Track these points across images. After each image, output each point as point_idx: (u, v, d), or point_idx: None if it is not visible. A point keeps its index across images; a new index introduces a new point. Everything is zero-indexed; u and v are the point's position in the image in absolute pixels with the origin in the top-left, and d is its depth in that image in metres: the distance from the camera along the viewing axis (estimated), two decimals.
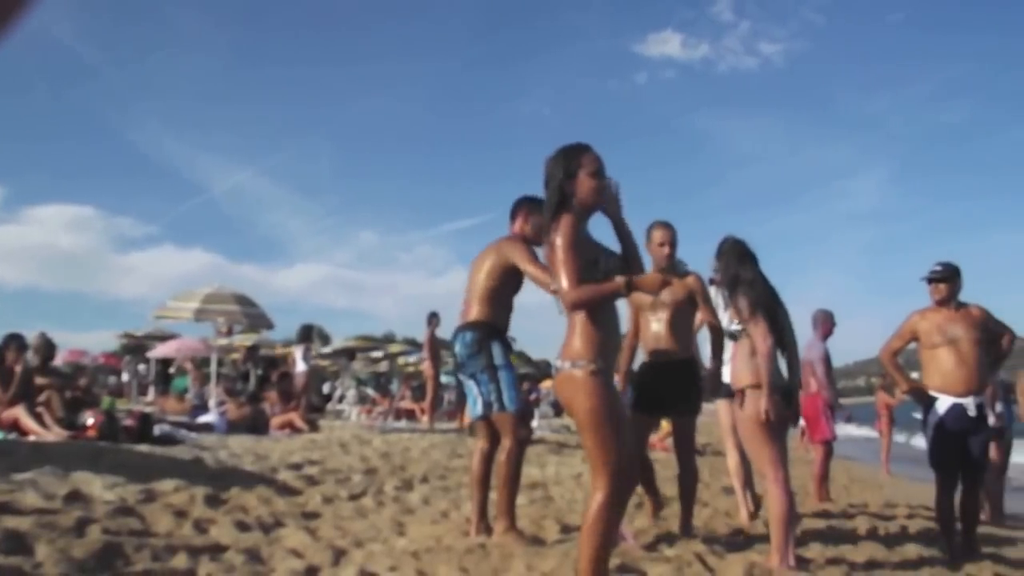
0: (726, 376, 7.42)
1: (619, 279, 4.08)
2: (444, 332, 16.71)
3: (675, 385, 6.53)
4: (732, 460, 7.90)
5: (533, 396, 24.24)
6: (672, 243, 6.60)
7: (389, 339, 59.70)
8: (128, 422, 10.78)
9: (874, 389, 19.29)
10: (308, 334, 19.34)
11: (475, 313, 5.86)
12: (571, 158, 4.27)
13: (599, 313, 4.12)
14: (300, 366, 17.93)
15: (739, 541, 5.91)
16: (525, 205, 6.07)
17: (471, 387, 5.92)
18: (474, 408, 5.96)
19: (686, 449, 6.70)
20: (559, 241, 4.09)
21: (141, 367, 30.34)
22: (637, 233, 4.54)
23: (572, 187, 4.24)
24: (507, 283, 5.89)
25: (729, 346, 5.74)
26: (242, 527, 5.76)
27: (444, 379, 21.20)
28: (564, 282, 4.03)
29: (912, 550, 6.64)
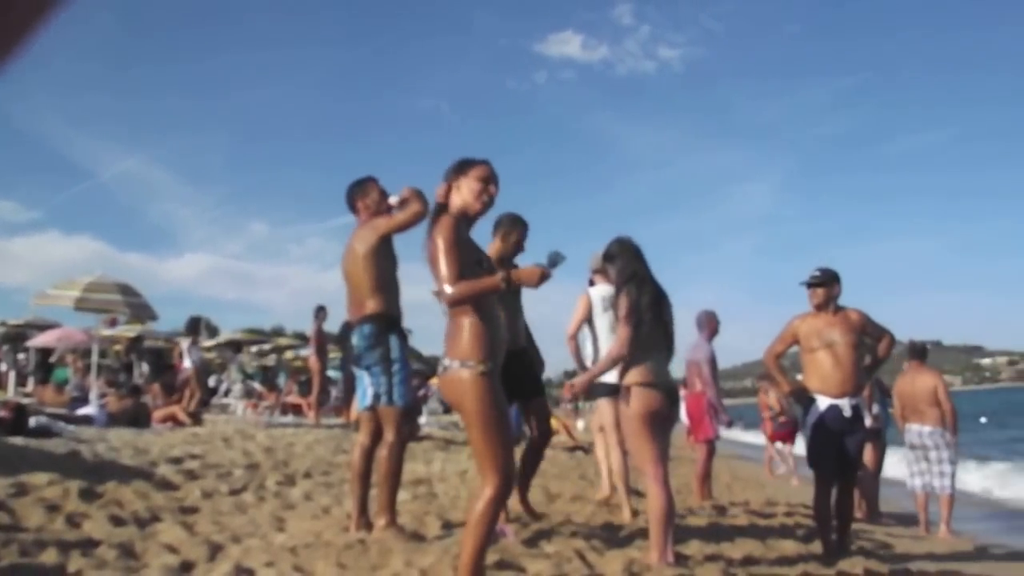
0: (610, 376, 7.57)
1: (498, 274, 4.14)
2: (331, 326, 16.58)
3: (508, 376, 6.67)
4: (615, 458, 7.98)
5: (422, 392, 24.19)
6: (522, 235, 6.75)
7: (278, 332, 58.84)
8: (2, 413, 10.43)
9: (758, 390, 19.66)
10: (195, 326, 18.93)
11: (372, 306, 5.84)
12: (462, 165, 4.41)
13: (485, 312, 4.15)
14: (187, 359, 17.55)
15: (619, 538, 5.96)
16: (355, 190, 6.18)
17: (362, 378, 5.90)
18: (363, 400, 5.94)
19: (543, 432, 7.02)
20: (439, 240, 4.13)
21: (20, 356, 29.42)
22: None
23: (457, 183, 4.35)
24: (386, 265, 5.91)
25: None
26: (117, 522, 5.63)
27: (331, 374, 21.03)
28: (445, 278, 4.06)
29: (789, 547, 6.82)
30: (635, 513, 7.53)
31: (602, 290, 7.86)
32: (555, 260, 4.47)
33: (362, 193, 6.15)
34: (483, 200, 4.37)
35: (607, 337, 7.93)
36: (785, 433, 16.71)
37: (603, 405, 8.16)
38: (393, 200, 5.97)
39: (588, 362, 7.91)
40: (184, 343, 18.14)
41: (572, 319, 8.10)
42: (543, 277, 4.31)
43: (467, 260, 4.18)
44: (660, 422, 5.61)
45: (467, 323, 4.11)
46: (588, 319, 8.03)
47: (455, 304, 4.08)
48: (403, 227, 5.80)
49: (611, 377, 7.82)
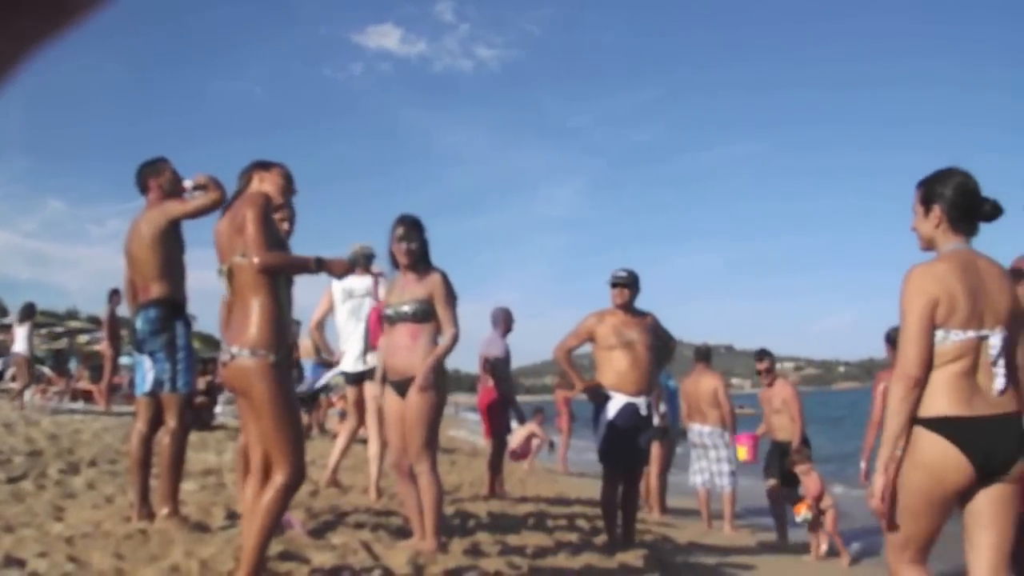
0: (358, 364, 8.03)
1: (310, 256, 4.17)
2: (125, 311, 16.03)
3: None
4: (373, 447, 8.08)
5: (217, 380, 23.59)
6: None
7: (71, 315, 56.53)
8: None
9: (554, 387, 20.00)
10: (31, 312, 17.90)
11: (157, 290, 5.70)
12: (265, 163, 4.61)
13: (278, 298, 4.14)
14: (19, 345, 16.64)
15: (408, 529, 6.01)
16: (147, 170, 6.04)
17: (142, 363, 5.77)
18: (141, 385, 5.81)
19: None
20: (251, 211, 4.13)
21: None
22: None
23: (260, 177, 4.42)
24: (174, 249, 5.80)
25: (400, 329, 5.74)
26: None
27: (124, 360, 20.34)
28: (256, 245, 4.04)
29: (576, 539, 7.06)
30: (380, 494, 7.86)
31: (346, 283, 8.04)
32: (370, 255, 4.56)
33: (155, 173, 5.98)
34: (285, 196, 4.48)
35: (344, 326, 8.27)
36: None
37: (369, 392, 8.19)
38: (188, 184, 5.85)
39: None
40: (19, 329, 17.14)
41: (316, 310, 8.41)
42: (348, 269, 4.37)
43: (275, 237, 4.17)
44: (440, 411, 5.80)
45: (258, 307, 4.09)
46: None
47: (263, 270, 4.06)
48: (197, 213, 5.69)
49: (357, 365, 8.00)
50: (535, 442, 16.42)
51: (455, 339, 5.68)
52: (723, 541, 9.15)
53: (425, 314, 5.69)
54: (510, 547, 6.21)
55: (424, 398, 5.60)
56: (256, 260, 4.06)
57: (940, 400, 3.49)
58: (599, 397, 7.27)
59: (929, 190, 3.73)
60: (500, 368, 10.13)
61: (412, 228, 5.83)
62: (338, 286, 8.15)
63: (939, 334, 3.52)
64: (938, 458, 3.47)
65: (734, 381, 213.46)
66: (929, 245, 3.74)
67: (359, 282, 8.16)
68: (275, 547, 4.81)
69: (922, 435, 3.51)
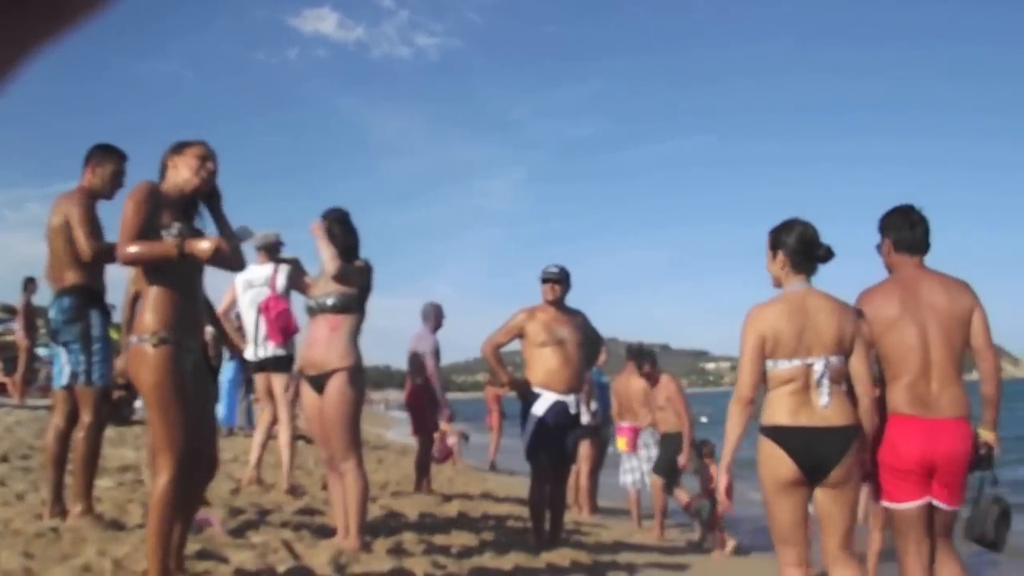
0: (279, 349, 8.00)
1: (170, 240, 4.05)
2: (43, 299, 15.67)
3: None
4: (284, 436, 8.06)
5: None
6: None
7: None
8: None
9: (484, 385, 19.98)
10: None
11: (72, 277, 5.53)
12: (179, 145, 4.39)
13: (176, 284, 4.06)
14: None
15: (331, 528, 5.92)
16: (95, 154, 5.80)
17: (59, 355, 5.61)
18: (58, 378, 5.65)
19: None
20: (127, 205, 4.09)
21: None
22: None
23: (174, 162, 4.30)
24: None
25: (319, 321, 5.65)
26: None
27: (41, 351, 19.89)
28: (121, 239, 3.98)
29: (502, 538, 7.07)
30: (293, 487, 7.89)
31: (249, 272, 7.96)
32: (242, 235, 4.45)
33: (99, 161, 5.76)
34: (201, 175, 4.34)
35: (246, 316, 8.26)
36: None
37: (279, 382, 8.16)
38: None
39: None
40: None
41: (222, 301, 8.37)
42: (217, 251, 4.17)
43: (152, 225, 4.06)
44: (359, 407, 5.75)
45: (151, 294, 4.04)
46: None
47: (125, 263, 4.04)
48: (77, 244, 5.47)
49: (258, 354, 7.94)
50: (451, 440, 16.37)
51: (336, 265, 5.59)
52: (652, 541, 9.18)
53: (344, 306, 5.62)
54: (436, 546, 6.17)
55: (342, 393, 5.52)
56: (118, 258, 4.03)
57: (774, 413, 4.31)
58: (528, 395, 7.24)
59: (775, 238, 4.49)
60: (431, 364, 10.05)
61: (336, 222, 5.76)
62: (241, 276, 8.04)
63: (769, 363, 4.32)
64: (771, 458, 4.29)
65: None
66: (777, 283, 4.51)
67: (259, 271, 8.11)
68: (192, 546, 4.72)
69: (761, 440, 4.36)
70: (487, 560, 5.96)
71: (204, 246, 4.13)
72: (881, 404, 4.62)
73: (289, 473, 8.04)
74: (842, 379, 4.34)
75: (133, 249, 3.99)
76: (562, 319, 7.25)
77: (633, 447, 10.52)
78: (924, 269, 4.69)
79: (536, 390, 7.18)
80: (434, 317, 10.29)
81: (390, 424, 34.79)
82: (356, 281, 5.69)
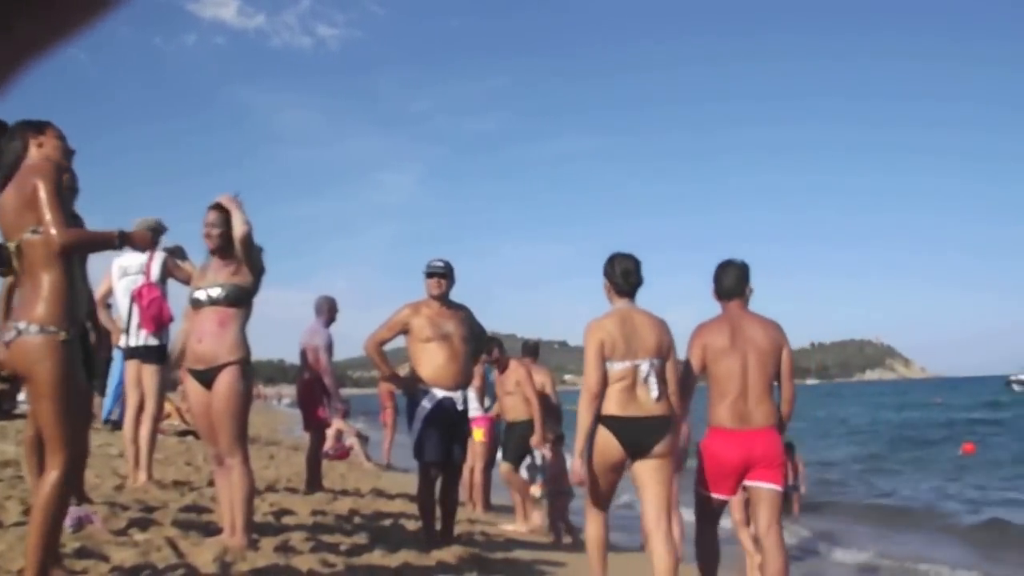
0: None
1: (112, 230, 4.00)
2: None
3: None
4: (146, 428, 8.00)
5: None
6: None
7: None
8: None
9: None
10: None
11: None
12: (39, 124, 4.29)
13: (72, 274, 3.98)
14: None
15: (219, 525, 5.86)
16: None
17: None
18: None
19: None
20: (42, 185, 3.92)
21: None
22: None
23: (39, 141, 4.21)
24: None
25: (206, 314, 5.56)
26: None
27: None
28: (54, 223, 3.85)
29: (393, 535, 7.12)
30: (149, 476, 7.90)
31: (124, 259, 7.93)
32: (158, 229, 4.42)
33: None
34: (67, 159, 4.27)
35: (121, 303, 8.15)
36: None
37: (149, 372, 8.05)
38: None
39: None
40: None
41: (99, 288, 8.17)
42: (150, 243, 4.21)
43: (68, 211, 3.99)
44: (249, 401, 5.68)
45: (48, 283, 3.92)
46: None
47: (65, 251, 3.88)
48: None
49: (130, 342, 7.87)
50: (348, 440, 16.29)
51: (246, 231, 5.51)
52: (543, 537, 9.26)
53: (235, 299, 5.52)
54: (325, 544, 6.16)
55: (232, 388, 5.44)
56: (57, 239, 3.87)
57: (609, 405, 5.50)
58: (415, 391, 7.21)
59: (606, 269, 5.83)
60: (325, 359, 9.98)
61: (222, 212, 5.67)
62: (116, 263, 7.99)
63: (607, 364, 5.49)
64: (604, 441, 5.52)
65: (567, 378, 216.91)
66: (609, 302, 5.80)
67: (135, 259, 7.97)
68: (72, 543, 4.65)
69: (598, 428, 5.52)
70: (376, 558, 5.97)
71: (143, 236, 4.10)
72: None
73: (148, 466, 7.94)
74: (661, 378, 5.58)
75: (72, 237, 3.89)
76: (447, 314, 7.24)
77: (490, 437, 10.61)
78: (745, 310, 5.95)
79: (423, 386, 7.15)
80: (327, 311, 10.22)
81: (283, 420, 34.43)
82: (258, 261, 5.62)
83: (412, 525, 7.79)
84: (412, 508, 8.82)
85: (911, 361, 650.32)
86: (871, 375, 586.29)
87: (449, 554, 6.51)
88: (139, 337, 7.91)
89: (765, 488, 5.70)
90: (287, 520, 7.15)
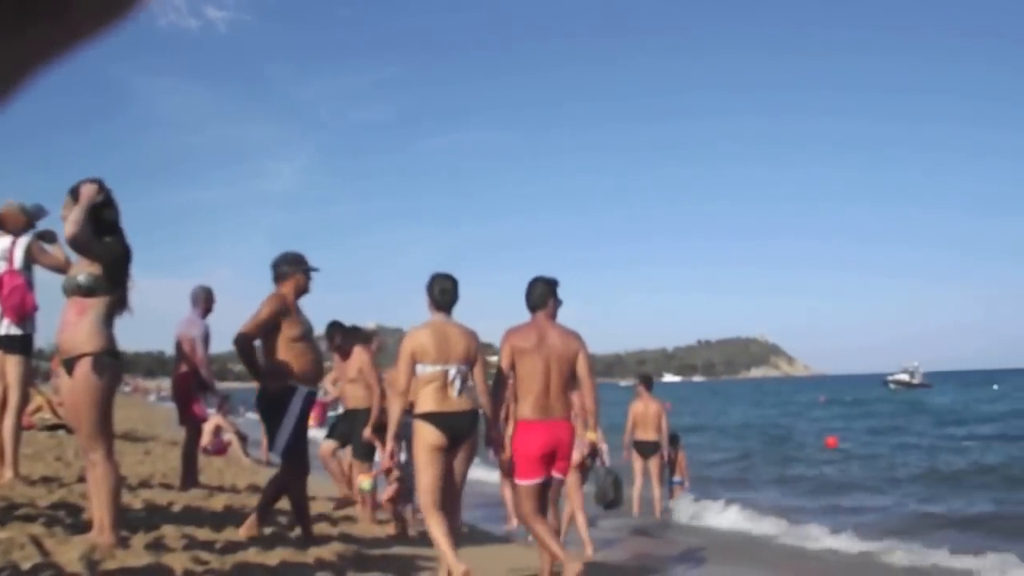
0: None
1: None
2: None
3: None
4: (9, 422, 7.76)
5: None
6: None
7: None
8: None
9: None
10: None
11: None
12: None
13: None
14: None
15: (86, 524, 5.74)
16: None
17: None
18: None
19: None
20: None
21: None
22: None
23: None
24: None
25: (69, 304, 5.40)
26: None
27: None
28: None
29: (270, 533, 7.02)
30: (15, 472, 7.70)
31: None
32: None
33: None
34: None
35: None
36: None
37: (13, 363, 7.77)
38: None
39: None
40: None
41: None
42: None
43: None
44: (111, 394, 5.49)
45: None
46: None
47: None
48: None
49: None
50: (227, 436, 16.09)
51: (73, 230, 5.33)
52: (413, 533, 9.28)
53: (89, 289, 5.33)
54: (198, 541, 6.11)
55: (87, 380, 5.26)
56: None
57: (427, 403, 6.40)
58: (283, 389, 7.03)
59: (427, 287, 6.68)
60: (201, 351, 9.81)
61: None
62: None
63: (419, 367, 6.42)
64: (425, 433, 6.39)
65: None
66: (432, 316, 6.66)
67: None
68: None
69: (417, 422, 6.46)
70: (252, 556, 5.94)
71: None
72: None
73: (14, 462, 7.72)
74: (469, 379, 6.53)
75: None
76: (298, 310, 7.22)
77: (320, 422, 10.58)
78: (549, 320, 6.86)
79: (291, 384, 7.00)
80: (204, 301, 10.01)
81: (161, 414, 33.79)
82: (98, 254, 5.41)
83: (287, 522, 7.73)
84: (287, 505, 8.77)
85: (795, 359, 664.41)
86: (756, 372, 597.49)
87: (327, 551, 6.51)
88: (1, 327, 7.61)
89: (556, 478, 6.78)
90: (160, 517, 7.04)
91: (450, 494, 6.53)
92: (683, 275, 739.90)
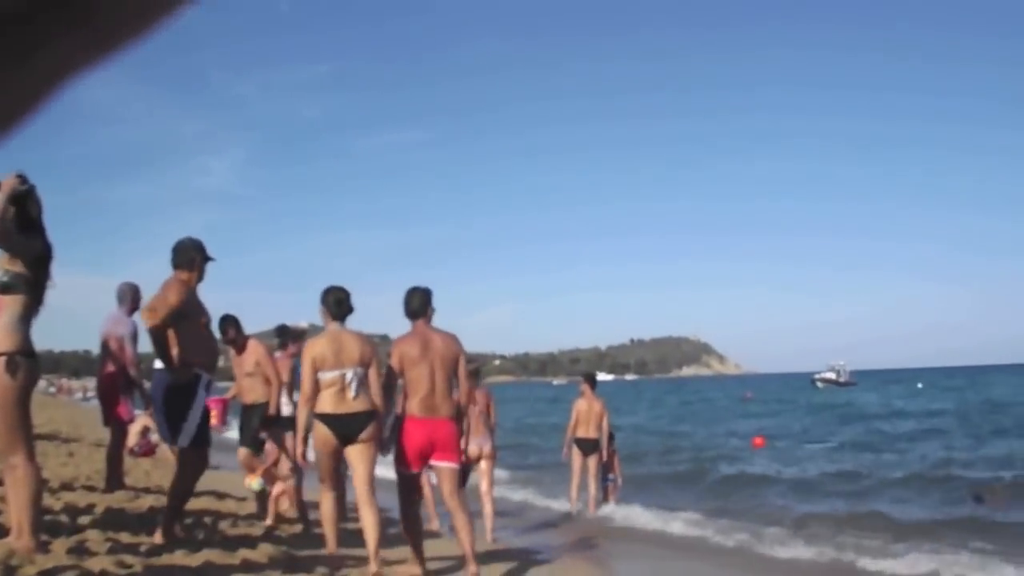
0: None
1: None
2: None
3: None
4: None
5: None
6: None
7: None
8: None
9: None
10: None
11: None
12: None
13: None
14: None
15: (3, 529, 5.62)
16: None
17: None
18: None
19: None
20: None
21: None
22: None
23: None
24: None
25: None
26: None
27: None
28: None
29: (196, 534, 7.00)
30: None
31: None
32: None
33: None
34: None
35: None
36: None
37: None
38: None
39: None
40: None
41: None
42: None
43: None
44: (29, 394, 5.29)
45: None
46: None
47: None
48: None
49: None
50: (154, 437, 15.82)
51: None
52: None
53: (8, 286, 5.17)
54: (123, 544, 6.04)
55: (1, 379, 5.05)
56: None
57: (324, 405, 6.89)
58: (191, 378, 6.96)
59: (322, 298, 7.15)
60: (130, 350, 9.66)
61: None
62: None
63: (320, 374, 6.87)
64: (322, 433, 6.92)
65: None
66: (324, 324, 7.16)
67: None
68: None
69: (315, 422, 6.95)
70: (178, 558, 5.89)
71: None
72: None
73: None
74: (365, 382, 7.01)
75: None
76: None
77: (222, 420, 10.47)
78: (429, 327, 7.37)
79: (197, 372, 6.96)
80: (131, 299, 9.78)
81: (86, 415, 33.28)
82: (20, 251, 5.24)
83: (216, 523, 7.66)
84: (217, 505, 8.72)
85: (726, 358, 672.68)
86: (688, 371, 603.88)
87: (257, 553, 6.47)
88: None
89: (445, 466, 7.23)
90: (83, 520, 6.94)
91: (363, 489, 7.00)
92: (617, 274, 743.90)
